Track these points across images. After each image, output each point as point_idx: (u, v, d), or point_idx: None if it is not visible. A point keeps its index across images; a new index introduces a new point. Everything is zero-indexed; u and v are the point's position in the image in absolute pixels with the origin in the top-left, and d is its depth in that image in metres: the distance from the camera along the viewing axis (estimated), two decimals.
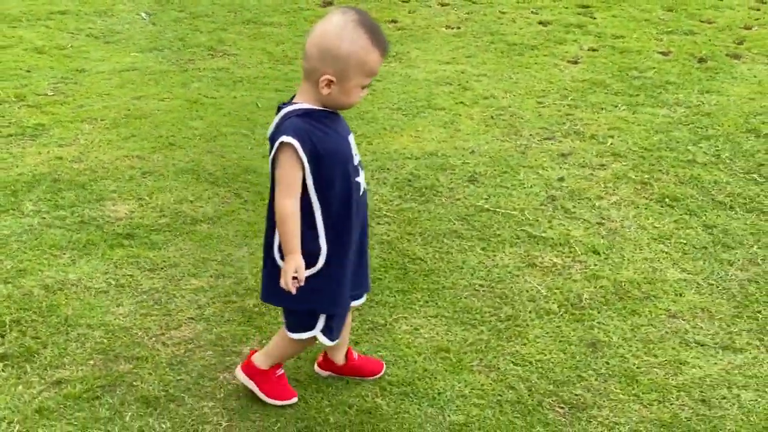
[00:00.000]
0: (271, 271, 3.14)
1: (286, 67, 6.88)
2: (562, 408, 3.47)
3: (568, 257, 4.44)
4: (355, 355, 3.57)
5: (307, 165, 2.94)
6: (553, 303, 4.08)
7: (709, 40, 7.31)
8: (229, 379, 3.56)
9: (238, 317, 3.93)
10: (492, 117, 6.00)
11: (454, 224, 4.72)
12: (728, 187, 5.07)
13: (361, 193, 3.14)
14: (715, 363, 3.72)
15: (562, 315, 4.01)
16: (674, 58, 6.94)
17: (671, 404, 3.49)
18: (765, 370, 3.68)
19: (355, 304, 3.33)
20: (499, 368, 3.68)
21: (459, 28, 7.70)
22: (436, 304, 4.06)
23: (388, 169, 5.25)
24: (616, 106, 6.15)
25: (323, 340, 3.26)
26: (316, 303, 3.17)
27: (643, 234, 4.63)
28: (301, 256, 3.00)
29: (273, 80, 6.62)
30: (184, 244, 4.47)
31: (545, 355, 3.74)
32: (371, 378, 3.58)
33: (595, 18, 7.86)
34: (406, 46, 7.26)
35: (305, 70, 2.96)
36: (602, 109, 6.11)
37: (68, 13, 8.02)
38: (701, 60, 6.91)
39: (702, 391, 3.56)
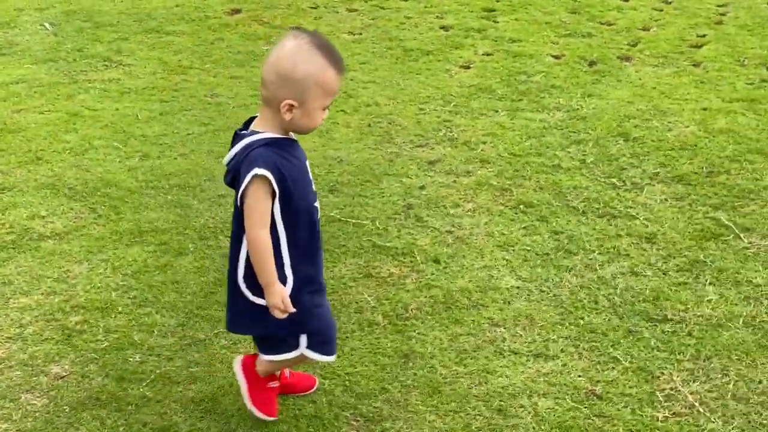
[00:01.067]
0: (237, 300, 3.17)
1: (179, 77, 6.89)
2: (357, 421, 3.50)
3: (407, 267, 4.46)
4: (287, 372, 3.56)
5: (279, 195, 2.98)
6: (379, 314, 4.10)
7: (605, 42, 7.34)
8: (30, 399, 3.56)
9: (57, 335, 3.95)
10: (369, 125, 6.01)
11: None
12: (585, 193, 5.10)
13: (318, 217, 3.20)
14: (523, 371, 3.75)
15: (384, 326, 4.03)
16: (565, 62, 6.96)
17: (467, 414, 3.52)
18: (570, 377, 3.71)
19: None
20: None
21: (360, 34, 7.71)
22: None
23: None
24: (496, 111, 6.17)
25: (316, 357, 3.28)
26: (292, 327, 3.21)
27: (489, 242, 4.66)
28: (280, 285, 3.06)
29: (161, 91, 6.63)
30: (25, 261, 4.48)
31: (356, 368, 3.76)
32: (305, 393, 3.60)
33: (497, 22, 7.88)
34: None
35: (264, 98, 3.00)
36: (482, 114, 6.13)
37: None
38: (591, 63, 6.94)
39: (501, 401, 3.58)
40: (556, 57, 7.12)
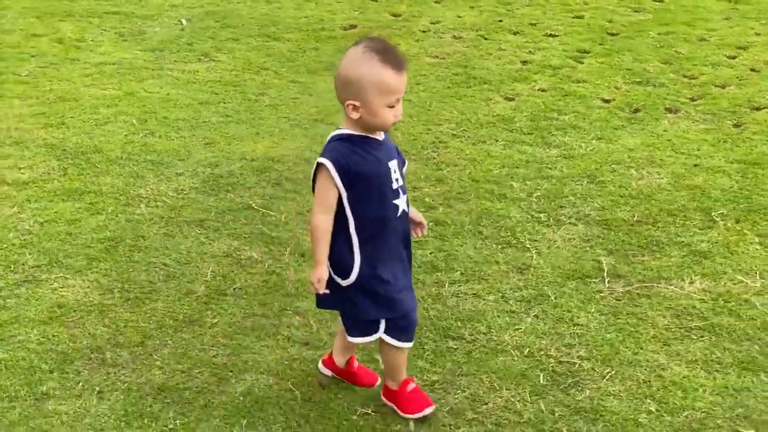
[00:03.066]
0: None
1: (249, 75, 7.57)
2: None
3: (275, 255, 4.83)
4: (356, 364, 3.84)
5: (340, 185, 3.26)
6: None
7: (668, 94, 7.26)
8: None
9: None
10: None
11: (210, 214, 5.23)
12: (503, 221, 5.25)
13: (398, 214, 3.42)
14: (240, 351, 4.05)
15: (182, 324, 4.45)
16: (610, 106, 6.99)
17: None
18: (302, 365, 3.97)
19: None
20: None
21: (444, 58, 8.04)
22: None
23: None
24: (496, 141, 6.36)
25: (392, 341, 3.51)
26: (354, 311, 3.48)
27: None
28: (325, 268, 3.35)
29: (223, 85, 7.34)
30: None
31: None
32: (365, 387, 3.84)
33: (581, 63, 7.96)
34: None
35: (340, 102, 3.29)
36: (481, 142, 6.34)
37: (119, 14, 9.08)
38: (636, 110, 6.93)
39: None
40: (606, 101, 7.14)
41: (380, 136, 3.37)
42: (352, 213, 3.32)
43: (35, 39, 8.24)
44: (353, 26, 8.96)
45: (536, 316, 4.40)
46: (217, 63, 7.86)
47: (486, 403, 3.82)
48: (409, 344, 3.57)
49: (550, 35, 8.73)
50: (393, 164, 3.38)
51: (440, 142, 6.31)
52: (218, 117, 6.64)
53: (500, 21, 9.17)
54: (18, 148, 5.93)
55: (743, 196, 5.53)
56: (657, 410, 3.79)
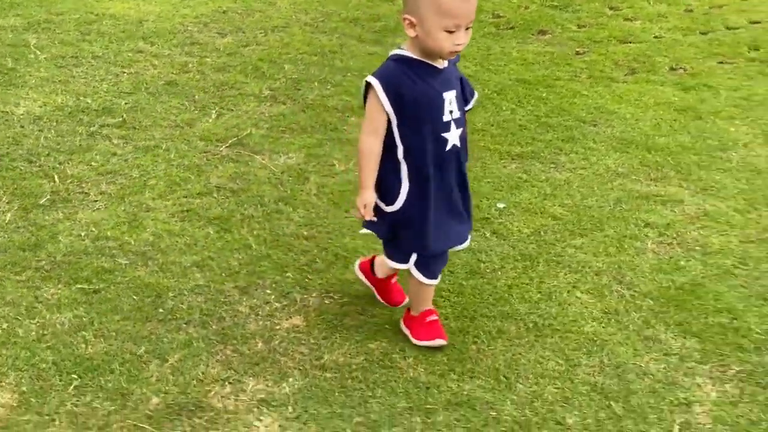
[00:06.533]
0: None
1: (265, 13, 8.02)
2: None
3: None
4: (394, 280, 3.77)
5: (389, 107, 3.12)
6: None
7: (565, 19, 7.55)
8: None
9: None
10: None
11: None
12: None
13: (448, 148, 3.24)
14: None
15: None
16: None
17: None
18: None
19: (458, 248, 3.52)
20: None
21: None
22: None
23: None
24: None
25: (418, 276, 3.45)
26: (394, 239, 3.39)
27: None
28: (373, 192, 3.23)
29: (233, 13, 7.86)
30: None
31: None
32: (390, 305, 3.80)
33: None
34: None
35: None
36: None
37: None
38: (543, 32, 7.39)
39: None
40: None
41: (441, 64, 3.19)
42: (400, 136, 3.19)
43: None
44: (501, 16, 8.45)
45: None
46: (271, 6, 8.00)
47: None
48: (434, 281, 3.51)
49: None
50: (449, 95, 3.21)
51: None
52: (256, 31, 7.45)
53: None
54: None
55: None
56: None
